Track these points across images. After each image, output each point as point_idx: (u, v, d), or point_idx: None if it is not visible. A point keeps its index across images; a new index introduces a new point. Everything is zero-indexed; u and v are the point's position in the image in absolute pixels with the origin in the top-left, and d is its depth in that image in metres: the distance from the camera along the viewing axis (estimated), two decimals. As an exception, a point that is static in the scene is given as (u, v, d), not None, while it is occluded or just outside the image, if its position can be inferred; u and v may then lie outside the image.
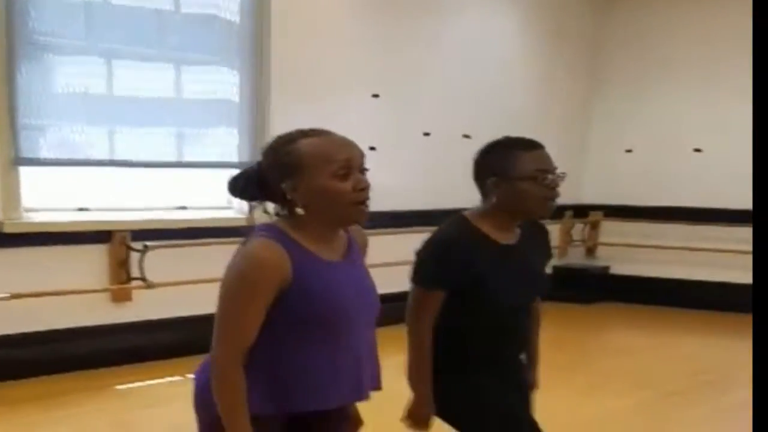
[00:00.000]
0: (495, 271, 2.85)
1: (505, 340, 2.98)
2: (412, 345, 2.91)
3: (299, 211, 2.41)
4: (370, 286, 2.55)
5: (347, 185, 2.37)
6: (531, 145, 2.89)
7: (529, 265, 2.98)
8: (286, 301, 2.34)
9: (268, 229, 2.42)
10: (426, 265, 2.88)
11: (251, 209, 2.55)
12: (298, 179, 2.38)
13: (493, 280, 2.84)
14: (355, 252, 2.54)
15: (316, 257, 2.40)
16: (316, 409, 2.43)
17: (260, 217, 2.54)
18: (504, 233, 2.92)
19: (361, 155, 2.44)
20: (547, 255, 3.17)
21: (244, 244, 2.40)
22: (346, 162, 2.38)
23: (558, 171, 2.89)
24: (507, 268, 2.88)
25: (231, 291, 2.34)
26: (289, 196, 2.41)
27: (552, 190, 2.86)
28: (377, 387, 2.61)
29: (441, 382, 2.93)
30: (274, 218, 2.49)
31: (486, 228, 2.89)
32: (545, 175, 2.84)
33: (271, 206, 2.52)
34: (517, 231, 2.97)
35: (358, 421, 2.72)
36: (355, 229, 2.58)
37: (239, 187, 2.51)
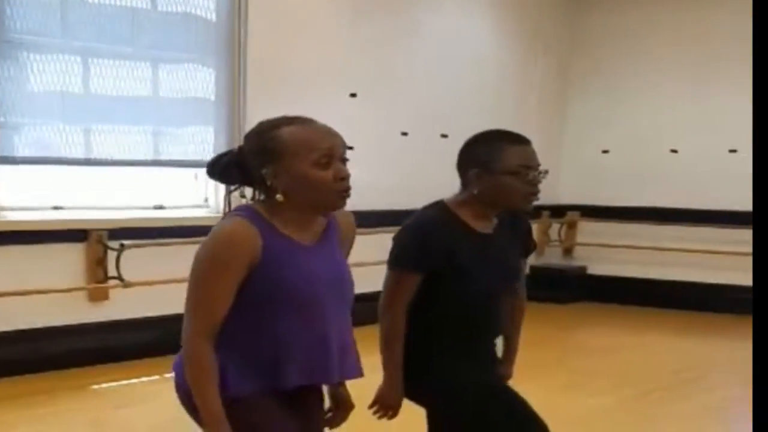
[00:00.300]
0: (470, 258, 2.87)
1: (477, 328, 2.99)
2: (385, 328, 2.92)
3: (278, 197, 2.42)
4: (343, 270, 2.56)
5: (328, 174, 2.40)
6: (518, 140, 2.92)
7: (503, 255, 3.00)
8: (256, 280, 2.37)
9: (243, 209, 2.45)
10: (405, 248, 2.89)
11: (227, 202, 2.54)
12: (279, 165, 2.41)
13: (469, 266, 2.87)
14: (332, 236, 2.56)
15: (287, 238, 2.43)
16: (283, 388, 2.44)
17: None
18: (481, 222, 2.94)
19: (344, 145, 2.47)
20: (527, 245, 3.17)
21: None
22: (328, 151, 2.41)
23: (541, 168, 2.91)
24: (482, 256, 2.90)
25: (201, 268, 2.38)
26: (269, 182, 2.43)
27: (533, 186, 2.88)
28: (358, 374, 2.62)
29: (414, 365, 2.93)
30: (251, 203, 2.51)
31: (464, 215, 2.92)
32: (528, 171, 2.86)
33: (249, 191, 2.54)
34: (495, 221, 2.99)
35: (348, 405, 2.74)
36: (345, 217, 2.61)
37: (219, 169, 2.53)
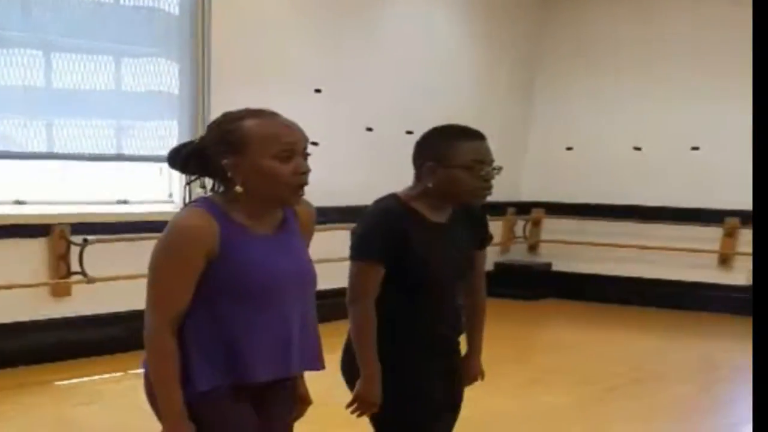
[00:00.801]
0: (425, 246, 2.88)
1: (434, 319, 2.98)
2: (355, 323, 2.90)
3: (238, 189, 2.42)
4: (304, 261, 2.56)
5: (288, 168, 2.40)
6: (472, 135, 2.93)
7: (456, 244, 3.00)
8: (214, 271, 2.37)
9: (201, 201, 2.45)
10: (363, 238, 2.89)
11: (187, 192, 2.54)
12: (240, 157, 2.41)
13: (422, 254, 2.87)
14: (291, 227, 2.56)
15: (245, 230, 2.43)
16: (246, 382, 2.43)
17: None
18: (435, 213, 2.95)
19: (305, 140, 2.47)
20: (483, 236, 3.16)
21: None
22: (289, 145, 2.41)
23: (495, 164, 2.92)
24: (436, 244, 2.90)
25: (159, 260, 2.38)
26: (229, 173, 2.42)
27: (486, 181, 2.90)
28: (319, 367, 2.60)
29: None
30: (210, 194, 2.51)
31: (418, 207, 2.92)
32: (481, 167, 2.88)
33: (209, 183, 2.54)
34: (448, 211, 3.00)
35: (306, 400, 2.73)
36: (305, 206, 2.60)
37: (180, 159, 2.52)
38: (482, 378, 3.28)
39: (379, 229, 2.87)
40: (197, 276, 2.37)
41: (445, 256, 2.92)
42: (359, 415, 2.94)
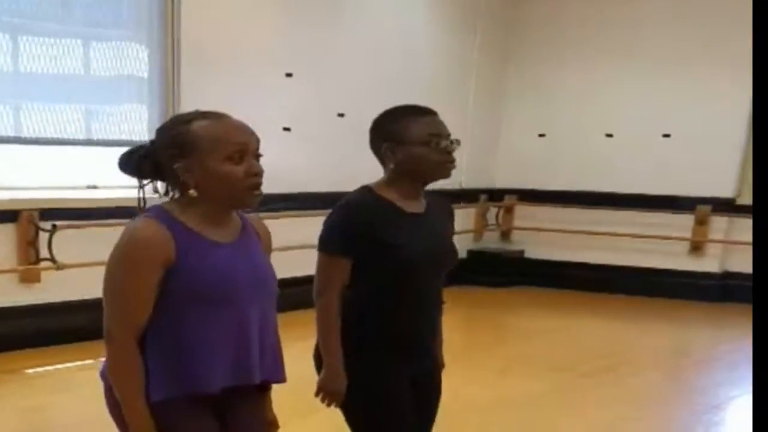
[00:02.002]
0: (399, 236, 2.84)
1: (416, 318, 2.94)
2: (319, 314, 2.88)
3: (191, 192, 2.39)
4: (265, 270, 2.53)
5: (240, 169, 2.37)
6: (422, 111, 2.93)
7: (439, 234, 2.98)
8: (172, 281, 2.34)
9: (153, 210, 2.42)
10: (330, 231, 2.87)
11: (141, 197, 2.50)
12: (191, 160, 2.37)
13: (397, 244, 2.83)
14: (249, 237, 2.52)
15: (201, 237, 2.40)
16: (206, 391, 2.39)
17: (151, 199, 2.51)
18: (410, 202, 2.92)
19: (257, 141, 2.43)
20: (452, 227, 3.15)
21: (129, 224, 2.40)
22: (240, 146, 2.38)
23: (452, 137, 2.90)
24: (416, 236, 2.87)
25: (114, 274, 2.37)
26: (182, 177, 2.39)
27: (447, 154, 2.88)
28: (280, 379, 2.58)
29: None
30: (164, 198, 2.48)
31: (391, 197, 2.89)
32: (439, 140, 2.86)
33: (161, 186, 2.51)
34: (423, 202, 2.97)
35: (274, 424, 2.70)
36: (256, 221, 2.59)
37: (132, 164, 2.49)
38: (443, 367, 3.22)
39: (345, 222, 2.85)
40: (156, 287, 2.34)
41: (424, 247, 2.87)
42: (328, 405, 2.92)
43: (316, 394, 2.91)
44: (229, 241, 2.45)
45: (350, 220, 2.84)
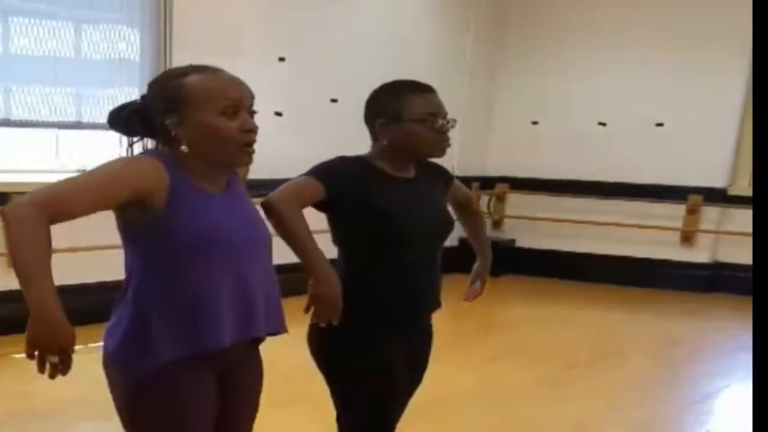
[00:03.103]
0: (390, 199, 2.80)
1: (412, 289, 2.87)
2: (283, 216, 2.70)
3: (183, 148, 2.33)
4: (255, 217, 2.48)
5: (234, 125, 2.32)
6: (422, 88, 2.89)
7: (430, 198, 2.95)
8: (169, 229, 2.26)
9: (151, 151, 2.38)
10: (321, 166, 2.82)
11: (130, 154, 2.42)
12: (183, 114, 2.32)
13: (388, 207, 2.78)
14: (235, 184, 2.47)
15: (195, 185, 2.33)
16: (213, 348, 2.33)
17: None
18: (399, 170, 2.89)
19: (252, 96, 2.38)
20: (446, 175, 3.12)
21: None
22: (234, 101, 2.33)
23: (449, 117, 2.88)
24: (404, 198, 2.83)
25: (95, 170, 2.25)
26: (173, 132, 2.33)
27: (442, 134, 2.85)
28: (282, 330, 2.51)
29: (332, 334, 2.79)
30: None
31: (379, 165, 2.86)
32: (435, 119, 2.83)
33: (151, 144, 2.45)
34: (412, 171, 2.94)
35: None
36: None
37: (121, 120, 2.42)
38: (481, 287, 3.35)
39: (336, 166, 2.81)
40: (112, 200, 2.22)
41: (416, 210, 2.83)
42: (323, 321, 2.74)
43: (307, 308, 2.75)
44: (221, 192, 2.39)
45: (343, 169, 2.80)
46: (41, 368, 2.17)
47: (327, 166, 2.81)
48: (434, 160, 2.98)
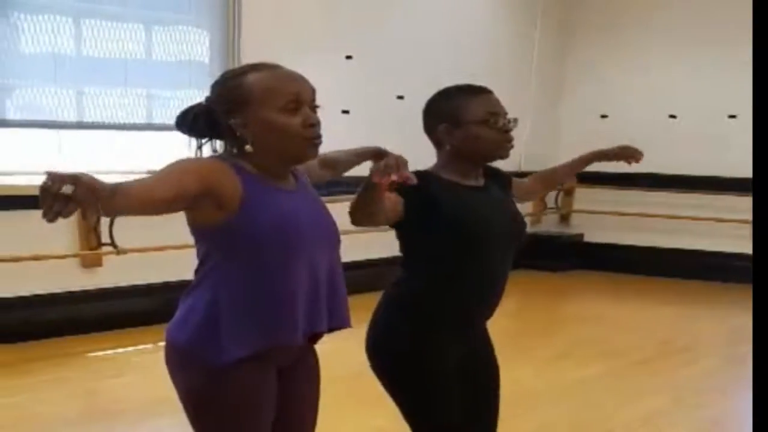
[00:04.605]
0: (469, 206, 2.76)
1: (483, 296, 2.84)
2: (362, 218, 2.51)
3: (248, 148, 2.34)
4: (325, 212, 2.48)
5: (296, 120, 2.32)
6: (479, 90, 2.86)
7: (503, 204, 2.92)
8: (244, 222, 2.27)
9: (216, 156, 2.38)
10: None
11: (198, 155, 2.43)
12: (246, 114, 2.32)
13: (471, 213, 2.75)
14: (302, 182, 2.49)
15: (266, 183, 2.34)
16: (285, 343, 2.35)
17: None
18: (469, 179, 2.85)
19: (312, 90, 2.38)
20: (510, 186, 3.09)
21: None
22: (294, 96, 2.33)
23: (510, 116, 2.84)
24: (481, 204, 2.80)
25: (171, 165, 2.23)
26: (238, 133, 2.34)
27: (506, 133, 2.81)
28: (346, 324, 2.51)
29: (399, 338, 2.77)
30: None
31: (447, 176, 2.82)
32: (496, 119, 2.80)
33: (219, 145, 2.47)
34: (482, 180, 2.91)
35: None
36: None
37: (188, 122, 2.43)
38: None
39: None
40: (187, 190, 2.19)
41: (490, 217, 2.79)
42: (393, 177, 2.34)
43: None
44: (290, 189, 2.41)
45: (415, 188, 2.65)
46: (49, 201, 1.84)
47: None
48: (494, 163, 2.95)
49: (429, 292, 2.78)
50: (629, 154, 3.45)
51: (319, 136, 2.36)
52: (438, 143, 2.87)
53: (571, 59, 10.40)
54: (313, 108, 2.37)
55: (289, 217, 2.33)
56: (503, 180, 3.06)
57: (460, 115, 2.79)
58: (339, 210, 2.61)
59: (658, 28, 9.74)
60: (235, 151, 2.39)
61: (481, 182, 2.90)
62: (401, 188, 2.46)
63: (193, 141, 2.46)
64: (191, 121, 2.42)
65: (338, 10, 7.86)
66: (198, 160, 2.33)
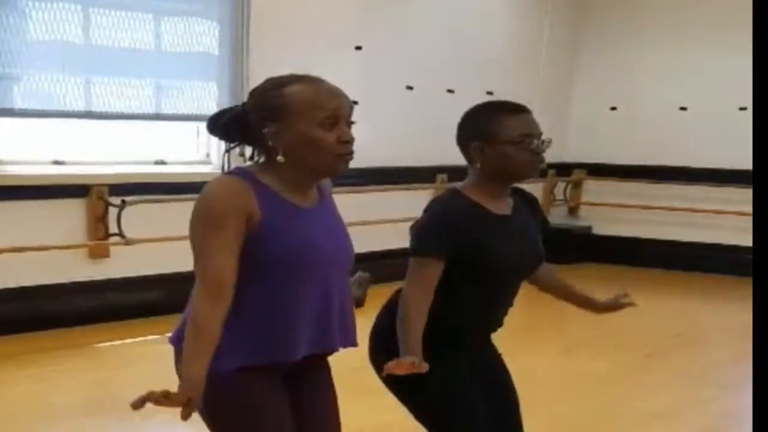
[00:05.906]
0: (495, 239, 2.77)
1: (487, 321, 2.91)
2: (405, 307, 2.69)
3: (279, 158, 2.33)
4: (342, 233, 2.49)
5: (332, 136, 2.32)
6: (517, 109, 2.83)
7: (526, 235, 2.92)
8: (258, 244, 2.28)
9: (235, 170, 2.37)
10: (422, 235, 2.76)
11: (226, 160, 2.44)
12: (282, 124, 2.32)
13: (493, 249, 2.76)
14: (326, 198, 2.49)
15: (284, 200, 2.34)
16: (291, 359, 2.36)
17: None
18: (497, 203, 2.85)
19: (350, 107, 2.38)
20: (542, 222, 3.08)
21: None
22: (333, 112, 2.32)
23: (544, 137, 2.82)
24: (506, 237, 2.80)
25: (196, 230, 2.28)
26: (270, 142, 2.33)
27: (537, 155, 2.79)
28: (352, 344, 2.53)
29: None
30: (248, 163, 2.43)
31: (479, 199, 2.81)
32: (531, 140, 2.77)
33: (248, 151, 2.46)
34: (510, 202, 2.90)
35: None
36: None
37: (220, 125, 2.43)
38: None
39: (435, 226, 2.75)
40: (239, 240, 2.26)
41: (515, 250, 2.82)
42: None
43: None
44: (311, 206, 2.41)
45: (444, 224, 2.74)
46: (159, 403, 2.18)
47: (433, 234, 2.74)
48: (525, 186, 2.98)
49: (434, 309, 2.75)
50: (619, 306, 3.50)
51: (351, 152, 2.36)
52: (469, 159, 2.84)
53: (581, 51, 10.35)
54: (349, 124, 2.37)
55: (304, 240, 2.34)
56: (530, 202, 3.05)
57: (494, 134, 2.77)
58: (347, 200, 2.60)
59: (669, 20, 9.70)
60: (262, 159, 2.39)
61: (509, 205, 2.90)
62: (438, 249, 2.70)
63: (202, 130, 2.46)
64: (224, 125, 2.42)
65: (348, 1, 7.83)
66: (216, 200, 2.28)
